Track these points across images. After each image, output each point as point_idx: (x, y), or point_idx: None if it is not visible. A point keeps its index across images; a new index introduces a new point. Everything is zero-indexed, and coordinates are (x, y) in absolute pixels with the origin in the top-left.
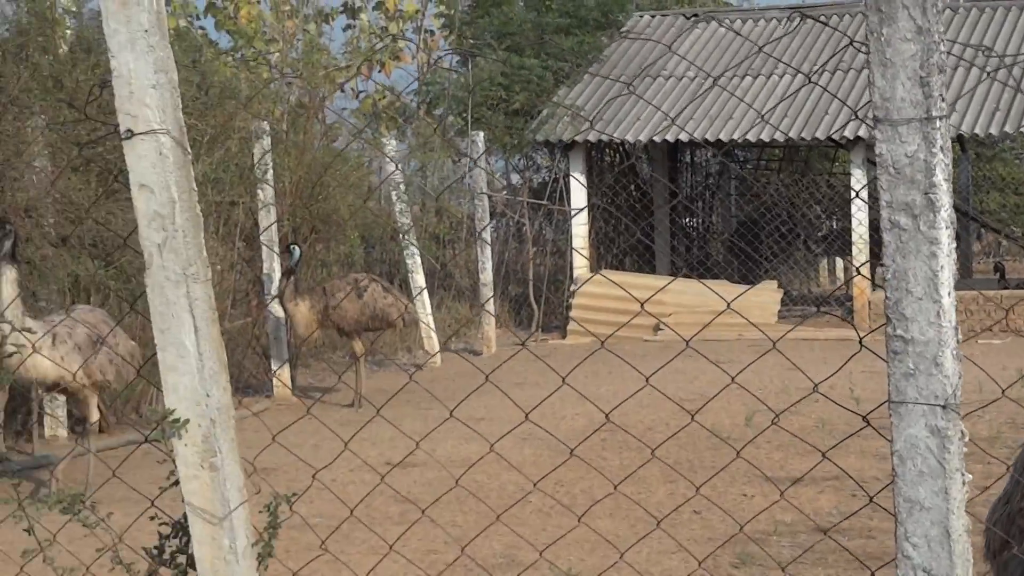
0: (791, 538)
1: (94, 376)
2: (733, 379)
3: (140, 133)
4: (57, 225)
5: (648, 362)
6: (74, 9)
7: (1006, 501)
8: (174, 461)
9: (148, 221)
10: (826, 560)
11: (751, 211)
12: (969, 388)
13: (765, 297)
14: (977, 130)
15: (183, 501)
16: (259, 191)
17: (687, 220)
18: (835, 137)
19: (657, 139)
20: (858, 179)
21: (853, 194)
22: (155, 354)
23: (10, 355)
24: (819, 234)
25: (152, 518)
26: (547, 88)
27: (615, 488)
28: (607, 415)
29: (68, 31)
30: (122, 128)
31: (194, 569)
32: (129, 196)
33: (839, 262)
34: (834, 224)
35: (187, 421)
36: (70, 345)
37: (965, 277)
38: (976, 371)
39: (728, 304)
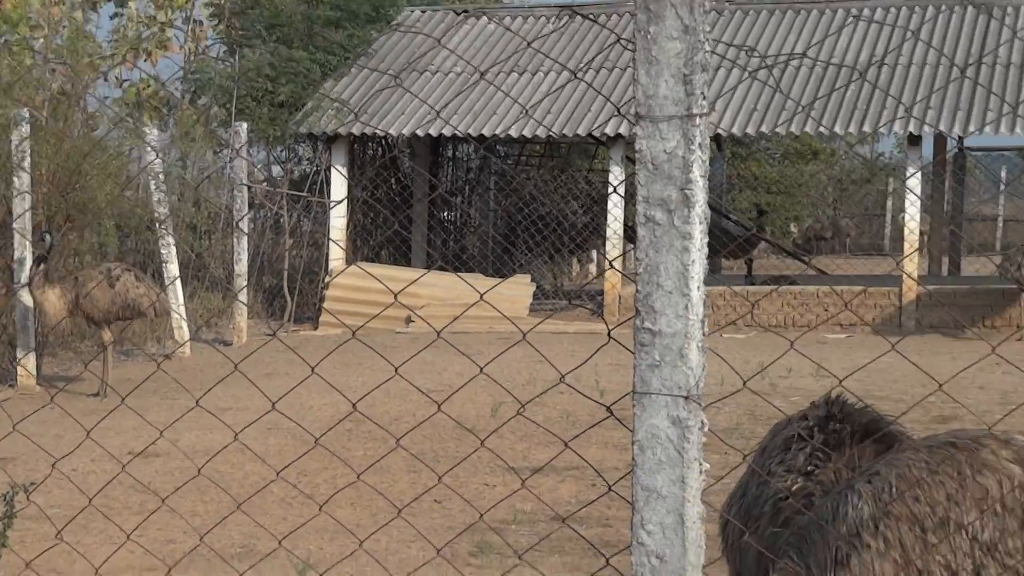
0: (530, 527)
1: None
2: (482, 369)
3: None
4: None
5: (398, 353)
6: None
7: (743, 492)
8: None
9: None
10: (563, 548)
11: (508, 205)
12: (712, 381)
13: (517, 290)
14: (735, 129)
15: None
16: (15, 179)
17: (445, 214)
18: (596, 134)
19: (420, 133)
20: (616, 175)
21: (610, 189)
22: None
23: None
24: (574, 230)
25: None
26: (314, 80)
27: (358, 477)
28: (354, 405)
29: None
30: None
31: None
32: None
33: (594, 257)
34: (590, 219)
35: None
36: None
37: (714, 272)
38: (719, 364)
39: (481, 296)
